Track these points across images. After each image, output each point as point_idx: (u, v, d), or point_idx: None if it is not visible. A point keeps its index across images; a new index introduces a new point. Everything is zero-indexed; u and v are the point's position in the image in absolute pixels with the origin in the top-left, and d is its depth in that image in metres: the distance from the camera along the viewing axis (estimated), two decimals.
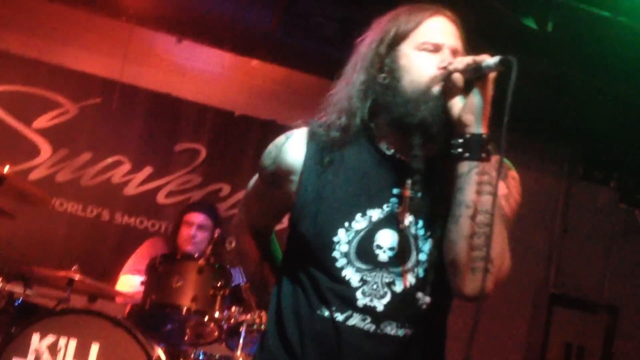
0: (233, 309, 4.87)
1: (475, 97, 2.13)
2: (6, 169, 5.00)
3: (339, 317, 2.21)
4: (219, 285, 4.86)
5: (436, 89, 2.20)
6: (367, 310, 2.21)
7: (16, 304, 4.99)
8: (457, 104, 2.15)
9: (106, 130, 7.08)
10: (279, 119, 7.24)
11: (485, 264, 2.11)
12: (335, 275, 2.23)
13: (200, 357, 4.99)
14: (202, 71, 7.31)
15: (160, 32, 7.09)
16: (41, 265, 5.29)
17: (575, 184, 7.85)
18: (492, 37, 5.25)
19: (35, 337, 4.56)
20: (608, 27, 5.60)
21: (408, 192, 2.25)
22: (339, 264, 2.22)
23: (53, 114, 7.02)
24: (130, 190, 7.07)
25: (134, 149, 7.12)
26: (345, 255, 2.22)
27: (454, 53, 2.26)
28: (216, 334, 5.03)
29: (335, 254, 2.22)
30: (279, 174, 2.34)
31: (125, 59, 7.10)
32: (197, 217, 5.77)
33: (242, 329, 4.84)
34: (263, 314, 4.92)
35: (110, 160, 7.06)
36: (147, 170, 7.12)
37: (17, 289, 5.05)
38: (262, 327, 4.92)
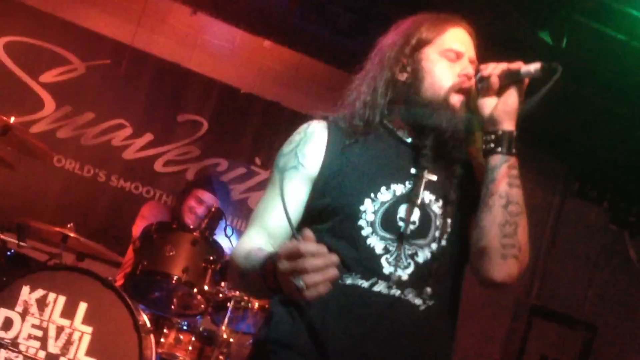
0: (222, 284, 4.92)
1: (511, 98, 2.30)
2: (12, 119, 5.01)
3: (365, 284, 2.29)
4: (211, 259, 4.91)
5: (455, 97, 2.38)
6: (392, 279, 2.30)
7: (8, 254, 5.02)
8: (488, 103, 2.33)
9: (111, 93, 7.08)
10: (283, 101, 7.27)
11: (514, 251, 2.26)
12: (359, 243, 2.31)
13: (184, 328, 5.03)
14: (213, 45, 7.32)
15: (176, 2, 7.09)
16: (34, 218, 5.31)
17: (569, 200, 7.90)
18: (507, 46, 5.30)
19: (26, 289, 4.59)
20: (621, 50, 5.65)
21: (425, 174, 2.39)
22: (364, 232, 2.32)
23: (60, 70, 7.02)
24: (129, 154, 7.08)
25: (137, 114, 7.13)
26: (371, 224, 2.32)
27: (472, 63, 2.45)
28: (202, 306, 5.07)
29: (362, 222, 2.32)
30: (304, 153, 2.42)
31: (139, 25, 7.12)
32: (210, 198, 5.88)
33: (229, 305, 4.89)
34: None
35: (112, 122, 7.06)
36: (148, 137, 7.13)
37: (11, 239, 5.09)
38: (249, 305, 4.98)
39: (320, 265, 1.91)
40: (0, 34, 6.92)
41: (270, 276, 2.05)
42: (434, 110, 2.36)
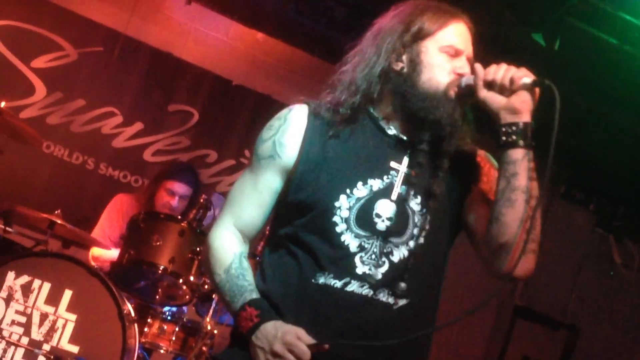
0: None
1: (526, 95, 2.26)
2: (2, 104, 5.00)
3: (337, 283, 2.29)
4: (198, 250, 4.90)
5: (452, 93, 2.35)
6: (365, 278, 2.30)
7: None
8: (495, 97, 2.28)
9: (103, 80, 7.06)
10: (274, 94, 7.28)
11: (534, 246, 2.29)
12: (334, 240, 2.30)
13: (169, 318, 5.03)
14: (206, 36, 7.31)
15: None
16: (21, 204, 5.29)
17: (555, 202, 7.92)
18: (500, 47, 5.31)
19: (11, 275, 4.59)
20: (613, 53, 5.66)
21: (404, 169, 2.37)
22: (338, 229, 2.31)
23: (52, 56, 6.99)
24: (119, 143, 7.06)
25: (128, 102, 7.11)
26: (346, 220, 2.31)
27: (468, 61, 2.42)
28: (187, 297, 5.07)
29: (336, 219, 2.31)
30: (282, 142, 2.41)
31: (133, 13, 7.09)
32: (181, 188, 5.71)
33: (215, 297, 4.90)
34: None
35: (102, 110, 7.04)
36: (138, 126, 7.12)
37: None
38: None
39: None
40: None
41: (245, 323, 2.29)
42: (434, 105, 2.33)
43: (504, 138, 2.28)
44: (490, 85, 2.28)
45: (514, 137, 2.26)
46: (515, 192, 2.26)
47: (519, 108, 2.25)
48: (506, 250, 2.29)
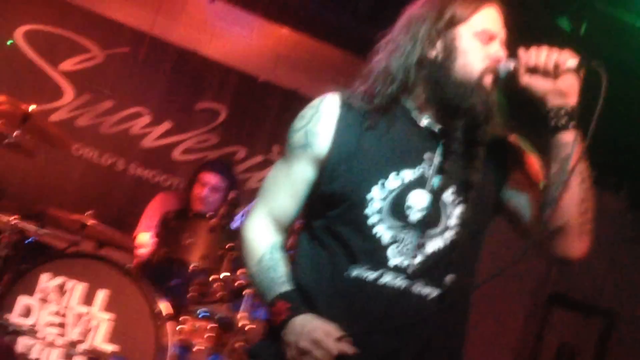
0: (239, 271, 4.93)
1: (572, 77, 2.24)
2: (32, 107, 5.04)
3: (370, 276, 2.28)
4: (228, 246, 4.91)
5: (487, 79, 2.32)
6: (399, 270, 2.29)
7: (27, 242, 5.05)
8: (539, 81, 2.25)
9: (130, 81, 7.11)
10: (301, 89, 7.26)
11: (590, 227, 2.31)
12: (366, 232, 2.29)
13: (201, 315, 5.04)
14: (231, 33, 7.32)
15: None
16: (53, 206, 5.33)
17: None
18: (524, 32, 5.27)
19: (44, 276, 4.64)
20: None
21: (437, 159, 2.35)
22: (371, 221, 2.30)
23: (80, 58, 7.04)
24: (148, 142, 7.10)
25: (155, 102, 7.15)
26: (379, 212, 2.30)
27: (502, 44, 2.38)
28: (220, 294, 5.07)
29: (369, 210, 2.30)
30: (314, 132, 2.39)
31: (158, 12, 7.13)
32: (212, 178, 5.76)
33: (247, 292, 4.91)
34: None
35: (131, 110, 7.08)
36: (166, 125, 7.15)
37: (30, 227, 5.12)
38: None
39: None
40: (20, 23, 6.94)
41: (277, 317, 2.30)
42: (469, 92, 2.30)
43: (554, 121, 2.26)
44: (532, 70, 2.26)
45: (564, 120, 2.25)
46: (570, 175, 2.24)
47: (567, 91, 2.23)
48: (564, 233, 2.29)
